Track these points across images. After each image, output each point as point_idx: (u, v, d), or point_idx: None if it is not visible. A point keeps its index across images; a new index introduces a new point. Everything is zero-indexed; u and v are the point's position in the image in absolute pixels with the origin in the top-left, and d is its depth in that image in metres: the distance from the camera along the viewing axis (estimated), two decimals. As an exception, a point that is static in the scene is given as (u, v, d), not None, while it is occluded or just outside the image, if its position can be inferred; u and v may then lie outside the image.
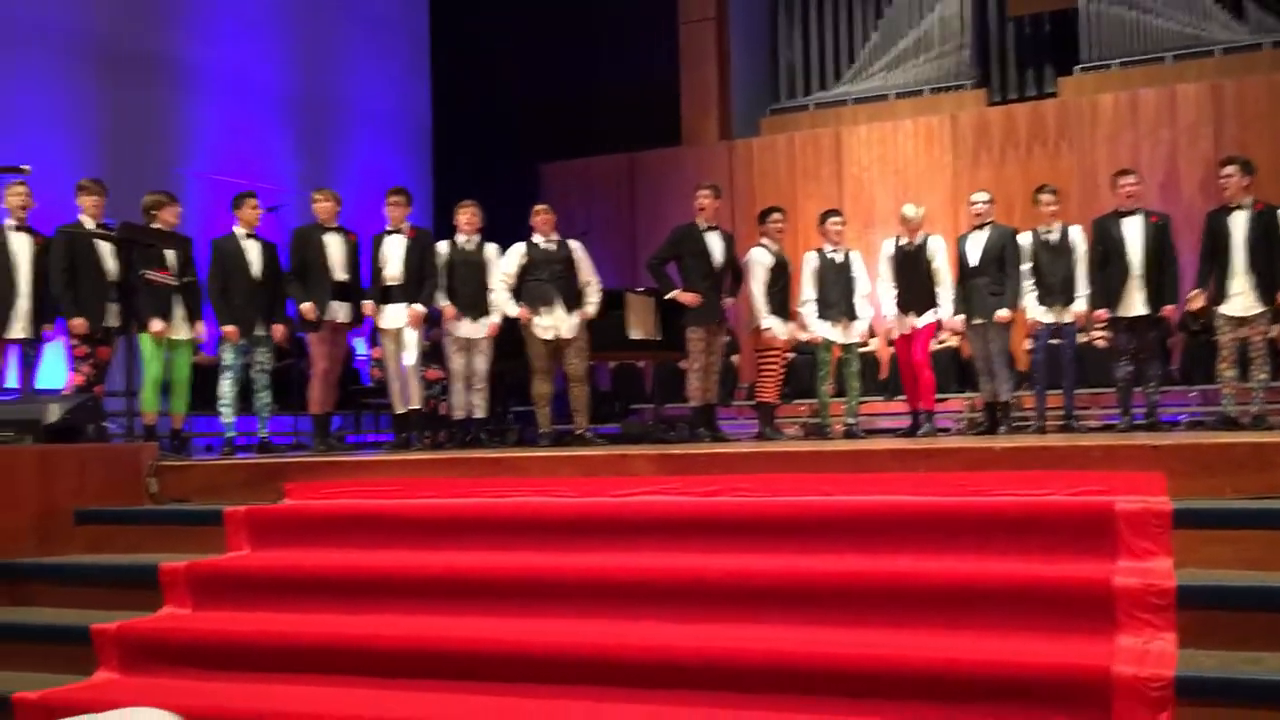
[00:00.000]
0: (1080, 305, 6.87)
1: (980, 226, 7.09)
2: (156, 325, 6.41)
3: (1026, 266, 6.95)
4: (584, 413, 6.96)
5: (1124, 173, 7.02)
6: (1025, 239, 7.02)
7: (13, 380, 6.60)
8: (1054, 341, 7.08)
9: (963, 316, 7.10)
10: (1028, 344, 8.77)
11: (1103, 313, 6.85)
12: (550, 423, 6.94)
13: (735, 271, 7.27)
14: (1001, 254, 6.96)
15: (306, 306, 6.81)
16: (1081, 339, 8.07)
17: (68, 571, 4.53)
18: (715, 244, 7.15)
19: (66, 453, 4.92)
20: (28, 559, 4.59)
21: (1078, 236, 6.98)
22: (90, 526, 4.79)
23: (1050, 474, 4.01)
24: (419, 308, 6.84)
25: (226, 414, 6.81)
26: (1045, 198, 7.05)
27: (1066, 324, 6.98)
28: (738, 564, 3.81)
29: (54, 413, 5.13)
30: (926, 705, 3.06)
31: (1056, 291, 6.91)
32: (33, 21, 9.44)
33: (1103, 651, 3.08)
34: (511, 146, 12.65)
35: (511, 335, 7.02)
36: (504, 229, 7.25)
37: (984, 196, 7.18)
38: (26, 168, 6.26)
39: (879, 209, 11.50)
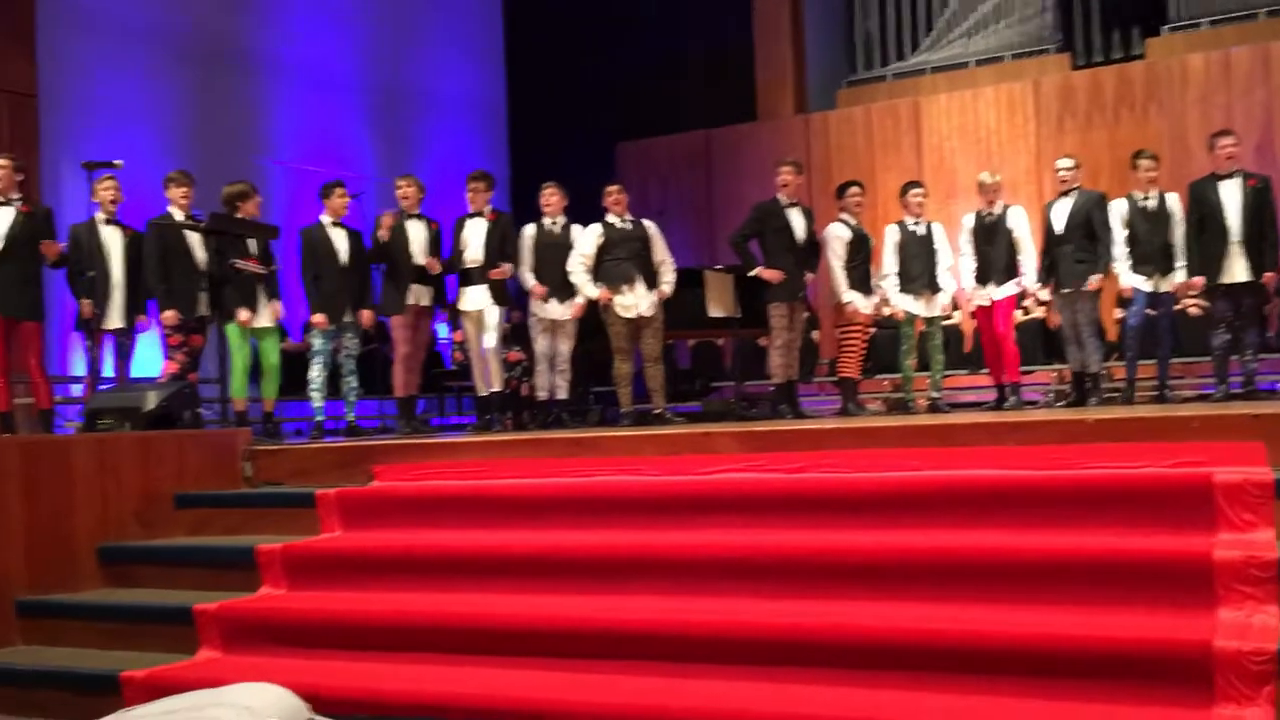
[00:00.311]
0: (1180, 276, 6.70)
1: (1066, 193, 6.94)
2: (243, 315, 6.57)
3: (1121, 234, 6.79)
4: (661, 392, 6.98)
5: (1222, 133, 6.80)
6: (1120, 205, 6.85)
7: (109, 370, 6.82)
8: (1149, 311, 6.91)
9: (1044, 284, 6.97)
10: (1117, 313, 8.58)
11: (1200, 280, 6.67)
12: (631, 402, 6.97)
13: (815, 247, 7.23)
14: (1087, 220, 6.80)
15: (384, 224, 6.89)
16: (1175, 307, 7.86)
17: (170, 554, 4.66)
18: (797, 220, 7.12)
19: (165, 439, 5.07)
20: (132, 542, 4.74)
21: (1175, 204, 6.80)
22: (190, 510, 4.94)
23: (1145, 446, 3.92)
24: (506, 266, 6.90)
25: (316, 399, 6.96)
26: (1145, 163, 6.86)
27: (1164, 293, 6.81)
28: (823, 541, 3.79)
29: (152, 400, 5.28)
30: (1022, 681, 3.02)
31: (1154, 260, 6.74)
32: (123, 20, 9.68)
33: (1204, 626, 3.01)
34: (587, 127, 12.67)
35: (592, 316, 7.05)
36: (581, 210, 7.28)
37: (1069, 162, 7.03)
38: (119, 163, 6.43)
39: (960, 179, 11.29)
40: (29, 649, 4.30)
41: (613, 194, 6.99)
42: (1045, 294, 7.07)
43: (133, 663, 3.90)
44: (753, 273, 7.06)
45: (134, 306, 6.75)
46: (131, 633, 4.21)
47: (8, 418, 6.68)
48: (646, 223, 7.05)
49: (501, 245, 6.95)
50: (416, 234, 7.07)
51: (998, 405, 7.10)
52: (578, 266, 6.89)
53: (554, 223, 7.06)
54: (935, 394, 7.20)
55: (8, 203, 6.51)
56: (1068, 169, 6.98)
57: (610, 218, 6.95)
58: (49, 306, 6.98)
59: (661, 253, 7.00)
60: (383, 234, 6.97)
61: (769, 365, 7.29)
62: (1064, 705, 2.95)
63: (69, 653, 4.20)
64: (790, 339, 7.12)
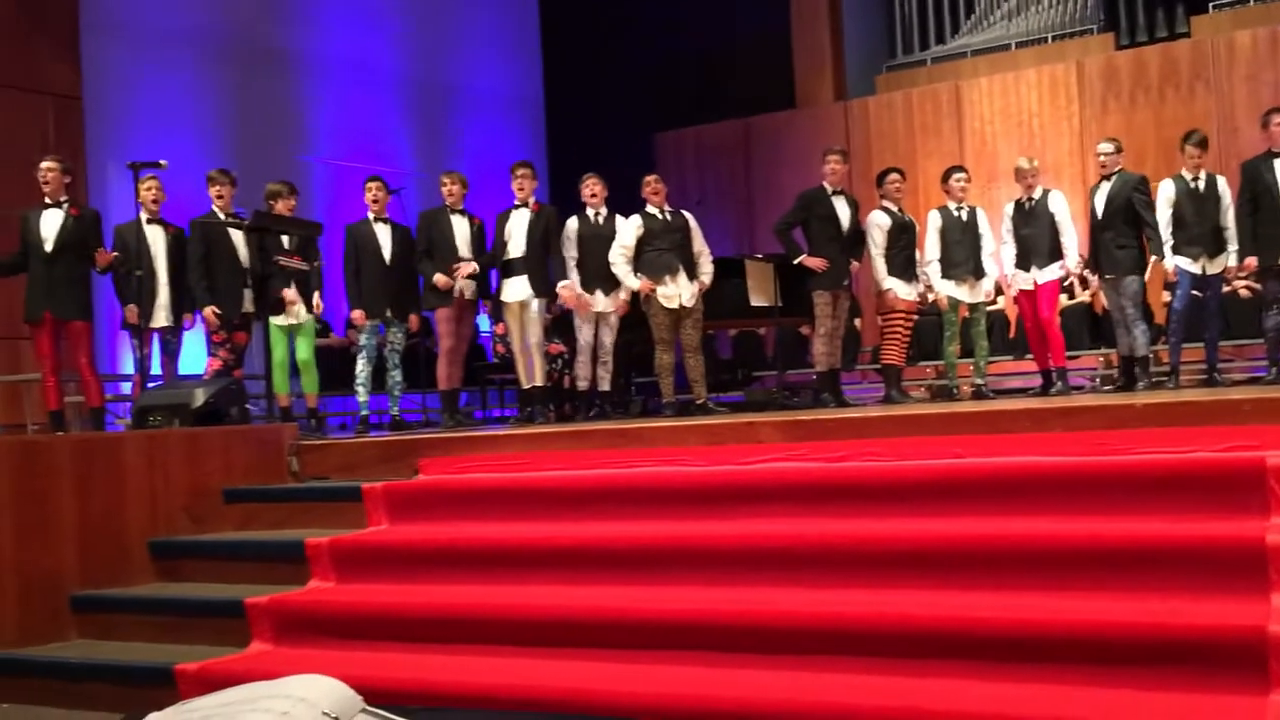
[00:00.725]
0: (1231, 258, 6.59)
1: (1107, 177, 6.84)
2: (290, 294, 6.63)
3: (1166, 215, 6.69)
4: (702, 382, 6.97)
5: (1276, 110, 6.67)
6: (1168, 187, 6.75)
7: (156, 367, 6.92)
8: (1196, 293, 6.81)
9: (1092, 269, 6.89)
10: (1165, 296, 8.45)
11: (1252, 261, 6.56)
12: (673, 393, 6.97)
13: (861, 236, 7.19)
14: (1128, 204, 6.71)
15: (440, 279, 6.94)
16: (1225, 289, 7.74)
17: (219, 548, 4.72)
18: (843, 208, 7.08)
19: (213, 435, 5.13)
20: (183, 537, 4.80)
21: (1223, 185, 6.69)
22: (238, 505, 4.99)
23: (1195, 430, 3.87)
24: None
25: (362, 393, 7.02)
26: (1190, 149, 6.76)
27: (1212, 275, 6.70)
28: (869, 529, 3.77)
29: (200, 397, 5.35)
30: (1073, 668, 2.99)
31: (1202, 241, 6.64)
32: (163, 23, 9.79)
33: (1258, 611, 2.96)
34: (624, 118, 12.66)
35: (633, 307, 7.06)
36: (620, 201, 7.28)
37: (1109, 146, 6.92)
38: (163, 163, 6.51)
39: (1002, 163, 11.16)
40: (83, 643, 4.37)
41: (651, 184, 6.99)
42: (1091, 278, 6.99)
43: (184, 656, 3.95)
44: (797, 260, 7.03)
45: (180, 304, 6.84)
46: (183, 626, 4.26)
47: (59, 416, 6.80)
48: (685, 213, 7.05)
49: (544, 237, 6.97)
50: (460, 229, 7.10)
51: (1043, 391, 7.03)
52: (619, 258, 6.89)
53: (597, 214, 7.07)
54: (980, 380, 7.14)
55: (57, 205, 6.61)
56: (1108, 153, 6.88)
57: (650, 208, 6.94)
58: (97, 305, 7.10)
59: (700, 243, 6.99)
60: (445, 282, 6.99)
61: (812, 353, 7.26)
62: (1116, 693, 2.91)
63: (122, 646, 4.27)
64: (834, 327, 7.08)
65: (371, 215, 7.04)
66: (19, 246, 6.62)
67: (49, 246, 6.54)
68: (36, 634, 4.31)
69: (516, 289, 6.96)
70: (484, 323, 8.95)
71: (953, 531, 3.63)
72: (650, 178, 7.04)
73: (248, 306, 6.78)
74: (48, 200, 6.61)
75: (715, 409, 6.91)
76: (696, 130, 12.90)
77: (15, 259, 6.64)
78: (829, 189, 7.11)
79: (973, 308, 7.19)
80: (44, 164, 6.68)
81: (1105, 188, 6.82)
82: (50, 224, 6.57)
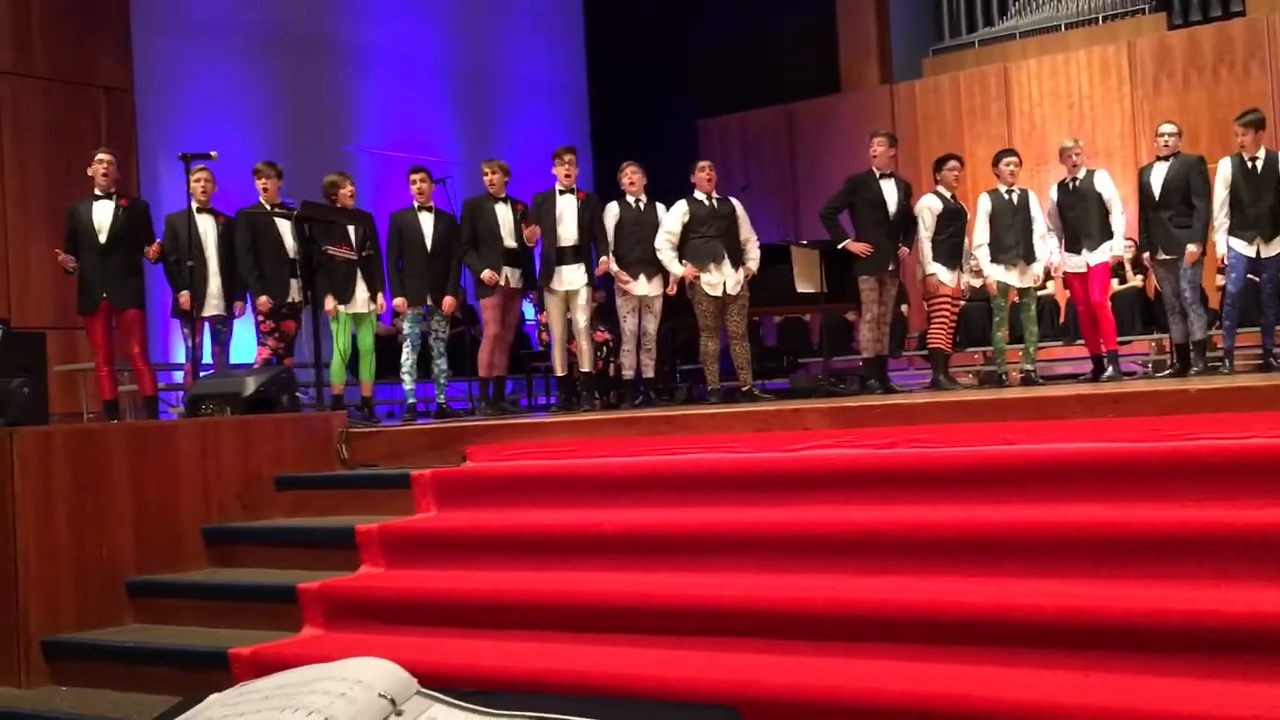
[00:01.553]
0: None
1: (1165, 158, 6.74)
2: (329, 304, 6.69)
3: (1221, 196, 6.58)
4: (748, 369, 6.96)
5: None
6: (1224, 167, 6.64)
7: (207, 356, 7.02)
8: (1252, 277, 6.69)
9: (1144, 251, 6.79)
10: (1219, 279, 8.32)
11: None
12: (719, 380, 6.96)
13: (910, 220, 7.12)
14: (1186, 185, 6.60)
15: (487, 274, 6.98)
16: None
17: (272, 534, 4.78)
18: (891, 191, 7.01)
19: (264, 423, 5.19)
20: (235, 523, 4.87)
21: None
22: (289, 491, 5.05)
23: (1252, 415, 3.80)
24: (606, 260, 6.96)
25: (408, 381, 7.07)
26: (1238, 128, 6.63)
27: (1268, 258, 6.58)
28: (917, 516, 3.74)
29: (251, 385, 5.41)
30: (1127, 657, 2.95)
31: (1259, 224, 6.52)
32: (212, 15, 9.91)
33: (1317, 600, 2.91)
34: (668, 104, 12.64)
35: (677, 294, 7.05)
36: (663, 188, 7.27)
37: (1171, 129, 6.82)
38: (214, 154, 6.60)
39: (1052, 145, 11.00)
40: (140, 627, 4.45)
41: (704, 169, 6.96)
42: (1135, 260, 6.90)
43: (238, 640, 4.01)
44: (841, 245, 6.99)
45: (230, 293, 6.93)
46: (236, 611, 4.32)
47: (114, 405, 6.91)
48: (733, 200, 7.03)
49: (591, 225, 6.99)
50: (503, 216, 7.13)
51: (1095, 376, 6.95)
52: (664, 244, 6.88)
53: (637, 201, 7.07)
54: (1029, 366, 7.06)
55: (109, 196, 6.72)
56: (1170, 134, 6.78)
57: (698, 194, 6.92)
58: (148, 295, 7.20)
59: (747, 230, 6.97)
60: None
61: (858, 340, 7.22)
62: (1170, 681, 2.88)
63: (177, 630, 4.33)
64: (880, 313, 7.04)
65: (416, 204, 7.10)
66: (68, 238, 6.73)
67: (103, 238, 6.65)
68: (94, 619, 4.39)
69: (570, 277, 6.98)
70: (529, 310, 8.99)
71: (1002, 518, 3.59)
72: (703, 164, 7.01)
73: (294, 296, 6.85)
74: (98, 192, 6.71)
75: (760, 396, 6.90)
76: (740, 116, 12.85)
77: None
78: (877, 172, 7.05)
79: (1022, 292, 7.11)
80: (98, 156, 6.78)
81: (1162, 168, 6.72)
82: (102, 215, 6.67)
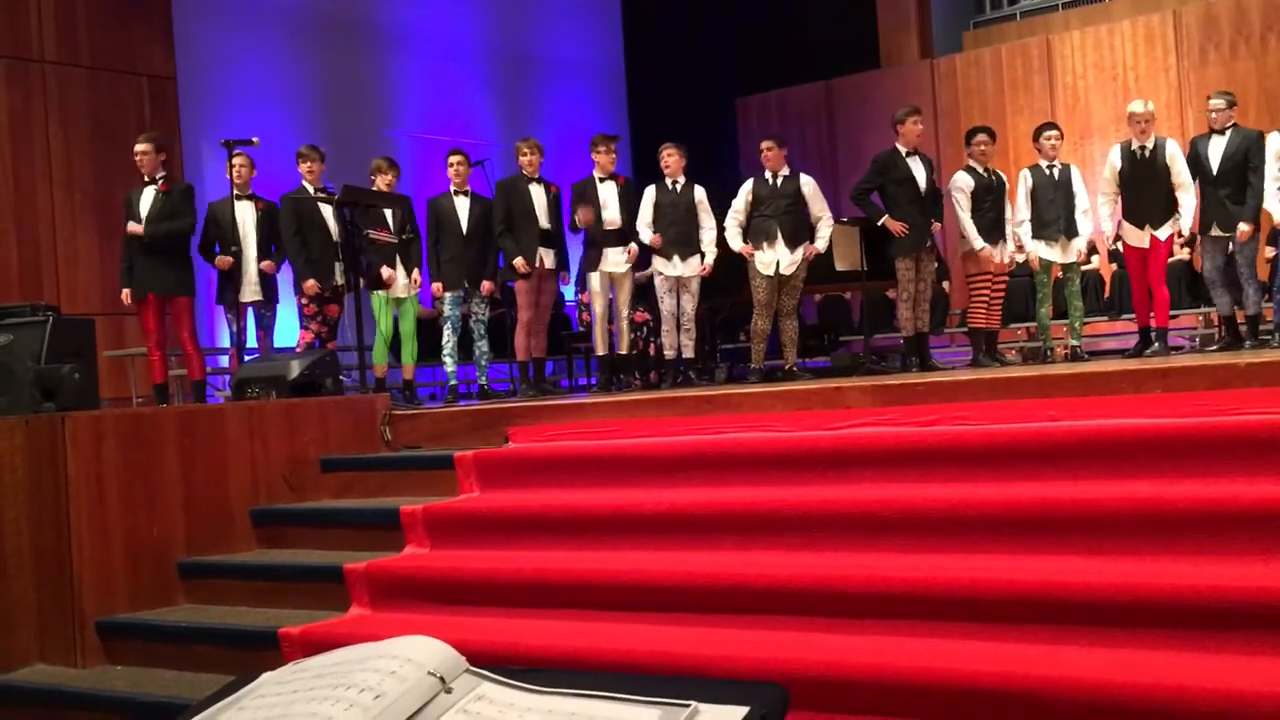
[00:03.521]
0: None
1: (1220, 130, 6.59)
2: (387, 272, 6.75)
3: (1274, 169, 6.45)
4: (793, 347, 6.95)
5: None
6: (1275, 139, 6.48)
7: (251, 340, 7.11)
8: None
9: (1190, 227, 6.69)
10: (1269, 252, 8.19)
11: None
12: (763, 359, 6.96)
13: (939, 195, 7.07)
14: (1245, 160, 6.47)
15: (519, 262, 7.02)
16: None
17: (319, 515, 4.84)
18: (918, 169, 6.96)
19: (309, 406, 5.25)
20: (283, 505, 4.94)
21: None
22: (335, 473, 5.12)
23: (1303, 390, 3.74)
24: (634, 246, 6.98)
25: (449, 364, 7.12)
26: None
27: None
28: (959, 494, 3.72)
29: (296, 369, 5.47)
30: (1174, 633, 2.93)
31: None
32: (252, 1, 9.97)
33: (1370, 577, 2.87)
34: (706, 83, 12.59)
35: (724, 272, 7.05)
36: (703, 166, 7.26)
37: (1220, 102, 6.62)
38: (255, 140, 6.65)
39: (1096, 118, 10.89)
40: (191, 607, 4.53)
41: (766, 149, 6.92)
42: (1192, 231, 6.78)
43: (287, 620, 4.07)
44: (880, 221, 6.93)
45: (270, 278, 7.01)
46: (285, 591, 4.38)
47: (163, 389, 7.02)
48: (804, 177, 6.97)
49: (631, 208, 7.03)
50: (538, 198, 7.15)
51: (1139, 351, 6.85)
52: (731, 223, 6.92)
53: (674, 183, 7.06)
54: (1074, 342, 6.99)
55: (153, 183, 6.80)
56: (1220, 109, 6.59)
57: (766, 174, 6.91)
58: (203, 286, 7.30)
59: (819, 209, 6.93)
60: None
61: (897, 318, 7.17)
62: (1217, 658, 2.85)
63: (227, 610, 4.41)
64: (920, 290, 6.99)
65: (453, 188, 7.13)
66: (126, 227, 6.83)
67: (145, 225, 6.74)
68: (146, 599, 4.48)
69: (615, 259, 7.01)
70: (569, 291, 9.02)
71: (1046, 496, 3.57)
72: (766, 143, 6.97)
73: (338, 279, 6.91)
74: (145, 179, 6.80)
75: (801, 374, 6.88)
76: (780, 93, 12.78)
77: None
78: (903, 150, 6.97)
79: (1066, 268, 7.03)
80: (136, 146, 6.86)
81: (1219, 142, 6.56)
82: (146, 202, 6.76)
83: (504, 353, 8.43)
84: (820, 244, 6.90)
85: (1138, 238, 6.73)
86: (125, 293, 6.81)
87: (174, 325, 6.90)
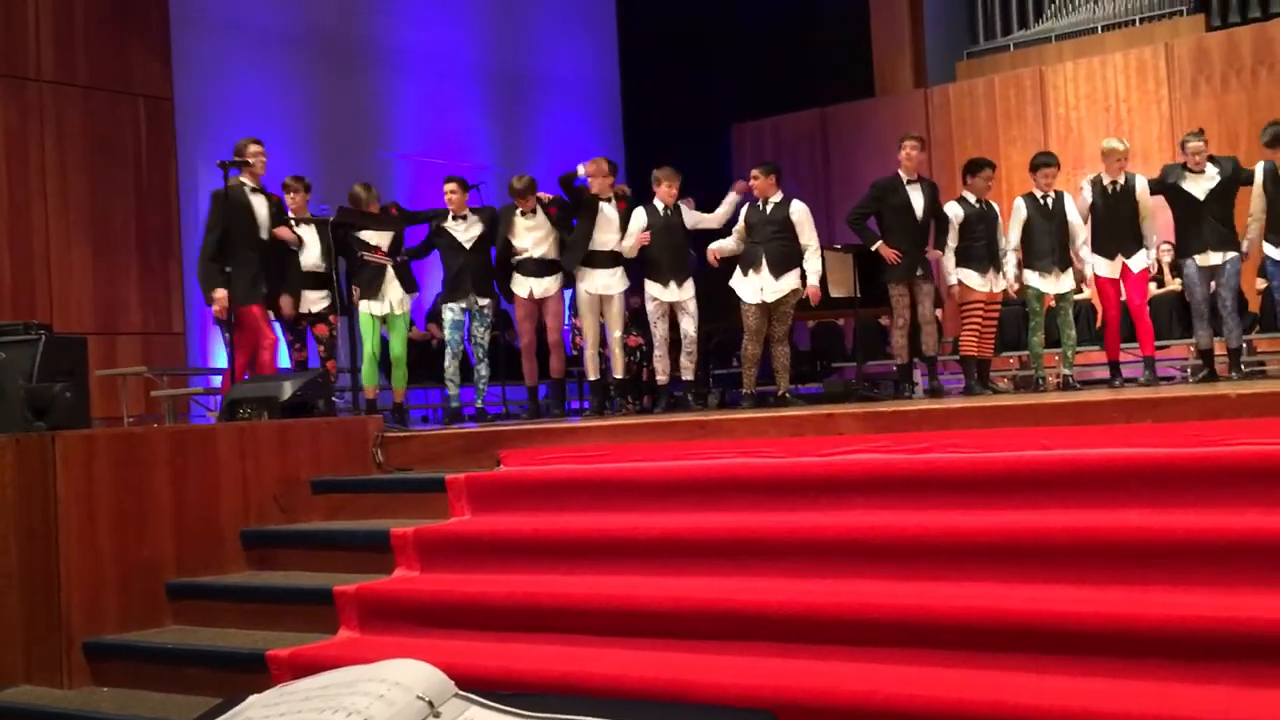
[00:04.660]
0: None
1: (1199, 170, 6.68)
2: (361, 300, 6.72)
3: (1261, 202, 6.52)
4: (785, 373, 6.95)
5: None
6: (1258, 171, 6.57)
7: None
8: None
9: (1181, 256, 6.73)
10: (1259, 283, 8.23)
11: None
12: (755, 384, 6.96)
13: (940, 222, 7.07)
14: (1234, 183, 6.57)
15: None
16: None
17: (309, 537, 4.82)
18: (917, 197, 6.97)
19: (301, 427, 5.24)
20: (273, 526, 4.92)
21: None
22: (326, 495, 5.10)
23: (1293, 421, 3.76)
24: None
25: (452, 387, 7.14)
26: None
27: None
28: (952, 522, 3.72)
29: (288, 390, 5.47)
30: (1164, 665, 2.93)
31: None
32: (251, 23, 10.02)
33: (1360, 609, 2.88)
34: (701, 108, 12.64)
35: (716, 299, 7.06)
36: (697, 192, 7.29)
37: (1198, 144, 6.72)
38: (250, 161, 6.66)
39: (1088, 149, 10.94)
40: (179, 629, 4.51)
41: (755, 177, 6.90)
42: (1174, 264, 6.83)
43: (276, 642, 4.05)
44: (874, 247, 6.94)
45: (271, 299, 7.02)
46: (274, 613, 4.36)
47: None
48: (795, 205, 6.90)
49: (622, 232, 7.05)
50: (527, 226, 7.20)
51: (1110, 382, 6.89)
52: (734, 236, 6.94)
53: (665, 207, 7.07)
54: (1067, 371, 7.01)
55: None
56: (1201, 150, 6.69)
57: (758, 200, 6.92)
58: (197, 306, 7.27)
59: (806, 236, 6.86)
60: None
61: (891, 345, 7.18)
62: (1210, 689, 2.85)
63: (216, 632, 4.38)
64: (919, 315, 6.99)
65: (450, 214, 7.15)
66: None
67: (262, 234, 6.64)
68: (135, 620, 4.45)
69: (605, 281, 7.02)
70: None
71: (1037, 524, 3.57)
72: (755, 171, 6.95)
73: (310, 308, 6.88)
74: (254, 187, 6.67)
75: (793, 400, 6.89)
76: (774, 120, 12.83)
77: None
78: (904, 176, 7.00)
79: (1059, 297, 7.06)
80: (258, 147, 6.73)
81: (1212, 171, 6.65)
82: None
83: (497, 376, 8.44)
84: (812, 278, 6.81)
85: (1109, 269, 6.83)
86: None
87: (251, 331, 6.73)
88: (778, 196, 6.88)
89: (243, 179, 6.65)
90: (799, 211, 6.87)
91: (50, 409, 4.62)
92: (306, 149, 9.70)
